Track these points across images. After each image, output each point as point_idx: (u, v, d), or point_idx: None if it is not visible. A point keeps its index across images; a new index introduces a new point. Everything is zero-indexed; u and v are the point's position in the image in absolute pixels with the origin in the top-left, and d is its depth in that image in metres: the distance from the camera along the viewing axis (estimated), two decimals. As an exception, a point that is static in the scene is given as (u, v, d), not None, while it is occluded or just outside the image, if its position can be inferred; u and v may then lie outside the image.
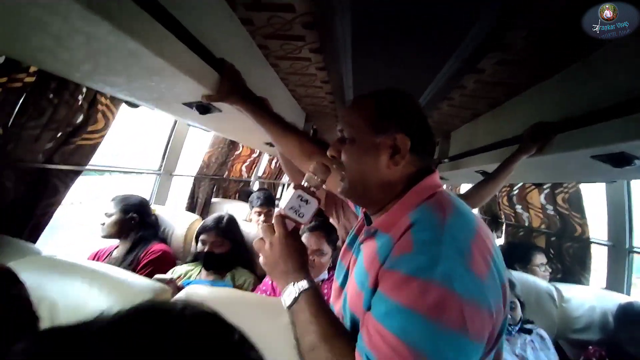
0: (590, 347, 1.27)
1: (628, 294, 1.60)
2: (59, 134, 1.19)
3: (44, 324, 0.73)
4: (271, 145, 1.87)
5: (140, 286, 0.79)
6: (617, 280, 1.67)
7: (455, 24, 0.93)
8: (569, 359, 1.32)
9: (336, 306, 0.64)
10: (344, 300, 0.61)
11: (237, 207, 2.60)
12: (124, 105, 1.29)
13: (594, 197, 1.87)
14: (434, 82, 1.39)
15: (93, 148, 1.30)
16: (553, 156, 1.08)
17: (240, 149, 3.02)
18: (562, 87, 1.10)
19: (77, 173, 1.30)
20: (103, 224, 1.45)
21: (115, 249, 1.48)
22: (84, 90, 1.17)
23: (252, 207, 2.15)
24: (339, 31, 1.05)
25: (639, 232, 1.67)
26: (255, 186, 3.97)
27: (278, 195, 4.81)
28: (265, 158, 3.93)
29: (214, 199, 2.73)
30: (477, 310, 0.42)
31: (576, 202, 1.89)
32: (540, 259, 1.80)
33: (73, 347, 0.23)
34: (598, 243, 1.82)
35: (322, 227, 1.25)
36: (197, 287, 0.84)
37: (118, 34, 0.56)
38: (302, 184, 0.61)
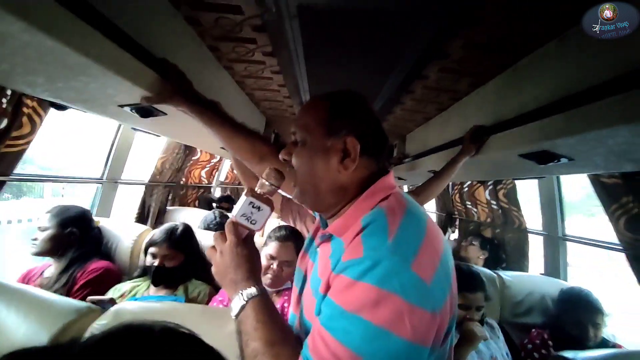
0: (534, 329, 1.38)
1: (565, 279, 1.76)
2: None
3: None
4: (228, 149, 1.81)
5: (61, 306, 0.72)
6: (553, 266, 1.84)
7: (399, 32, 0.98)
8: (514, 342, 1.43)
9: (296, 312, 0.63)
10: (301, 307, 0.60)
11: (196, 215, 2.46)
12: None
13: (532, 191, 2.08)
14: (385, 87, 1.45)
15: (18, 155, 1.16)
16: (488, 156, 1.18)
17: (199, 154, 2.89)
18: (495, 93, 1.21)
19: (2, 183, 1.15)
20: (35, 239, 1.28)
21: (47, 268, 1.32)
22: (9, 92, 1.04)
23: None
24: (289, 35, 1.05)
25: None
26: (217, 192, 3.82)
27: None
28: (227, 163, 3.81)
29: (169, 207, 2.58)
30: (420, 313, 0.42)
31: (513, 197, 2.08)
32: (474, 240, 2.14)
33: None
34: (534, 233, 2.01)
35: (292, 237, 1.22)
36: (129, 303, 0.77)
37: (33, 31, 0.51)
38: (255, 189, 0.59)
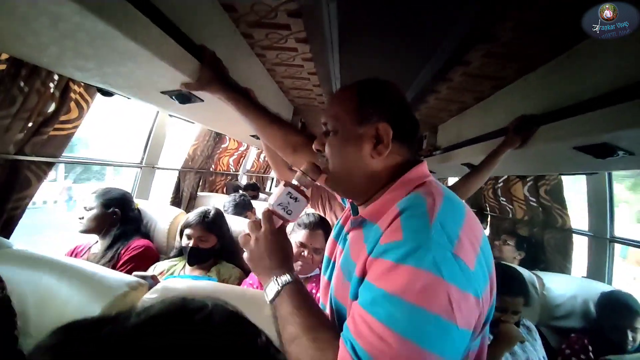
0: (573, 334, 1.30)
1: (610, 283, 1.63)
2: (30, 124, 1.13)
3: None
4: (258, 138, 1.83)
5: (112, 280, 0.76)
6: (598, 269, 1.71)
7: (442, 15, 0.92)
8: (551, 346, 1.35)
9: (325, 300, 0.64)
10: (331, 292, 0.60)
11: (225, 201, 2.55)
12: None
13: (576, 187, 1.92)
14: (421, 75, 1.38)
15: (66, 138, 1.24)
16: (536, 148, 1.09)
17: (227, 142, 2.96)
18: (546, 80, 1.11)
19: (50, 165, 1.24)
20: (82, 218, 1.39)
21: (93, 244, 1.42)
22: (56, 77, 1.11)
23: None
24: (325, 21, 1.02)
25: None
26: (243, 180, 3.92)
27: (267, 189, 4.78)
28: (254, 151, 3.88)
29: (200, 193, 2.68)
30: (465, 297, 0.41)
31: (557, 194, 1.93)
32: (509, 239, 1.98)
33: (108, 345, 0.24)
34: (579, 233, 1.87)
35: (321, 225, 1.23)
36: (176, 281, 0.81)
37: (85, 14, 0.52)
38: (293, 182, 0.60)
